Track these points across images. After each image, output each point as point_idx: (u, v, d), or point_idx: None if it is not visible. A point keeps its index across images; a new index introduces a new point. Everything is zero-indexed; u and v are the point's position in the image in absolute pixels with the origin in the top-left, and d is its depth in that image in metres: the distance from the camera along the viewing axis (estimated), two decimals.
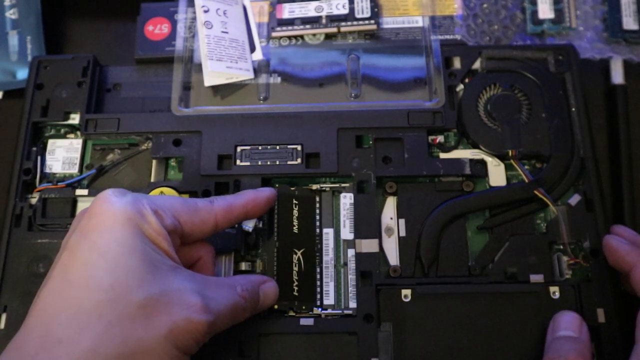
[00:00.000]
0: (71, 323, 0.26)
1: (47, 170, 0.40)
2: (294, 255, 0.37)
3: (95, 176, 0.40)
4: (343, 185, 0.39)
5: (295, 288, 0.36)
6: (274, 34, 0.44)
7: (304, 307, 0.36)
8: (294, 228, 0.37)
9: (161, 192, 0.38)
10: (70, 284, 0.27)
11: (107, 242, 0.27)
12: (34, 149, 0.40)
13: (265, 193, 0.35)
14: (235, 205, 0.33)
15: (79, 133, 0.41)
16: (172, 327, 0.27)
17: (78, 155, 0.41)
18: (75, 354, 0.25)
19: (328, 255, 0.37)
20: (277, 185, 0.38)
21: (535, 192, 0.38)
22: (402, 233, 0.38)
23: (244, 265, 0.37)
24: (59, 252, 0.29)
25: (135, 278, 0.27)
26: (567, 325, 0.33)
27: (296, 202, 0.38)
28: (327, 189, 0.39)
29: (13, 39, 0.46)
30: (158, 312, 0.27)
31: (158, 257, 0.28)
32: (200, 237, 0.33)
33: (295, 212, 0.37)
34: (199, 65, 0.42)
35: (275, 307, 0.35)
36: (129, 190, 0.30)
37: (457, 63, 0.42)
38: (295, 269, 0.36)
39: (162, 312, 0.27)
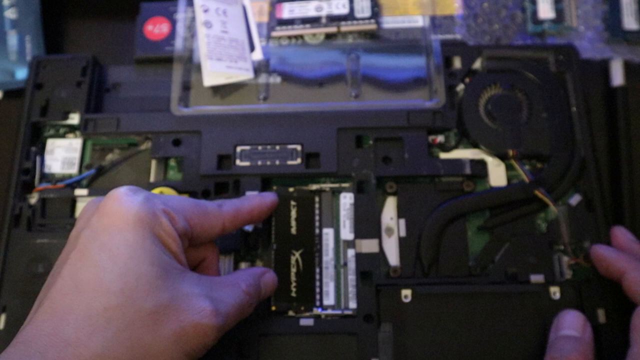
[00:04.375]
0: (80, 325, 0.25)
1: (47, 170, 0.40)
2: (292, 257, 0.37)
3: (95, 176, 0.40)
4: (343, 185, 0.39)
5: (294, 289, 0.36)
6: (273, 34, 0.44)
7: (302, 308, 0.36)
8: (292, 229, 0.37)
9: (161, 192, 0.38)
10: (79, 286, 0.26)
11: (118, 245, 0.27)
12: (33, 148, 0.40)
13: (269, 199, 0.35)
14: (242, 210, 0.34)
15: (78, 133, 0.41)
16: (181, 333, 0.27)
17: (77, 155, 0.41)
18: (84, 356, 0.25)
19: (328, 256, 0.37)
20: (274, 188, 0.38)
21: (536, 192, 0.38)
22: (402, 233, 0.38)
23: (243, 266, 0.37)
24: (67, 247, 0.29)
25: (145, 283, 0.27)
26: (571, 324, 0.33)
27: (294, 203, 0.38)
28: (327, 189, 0.39)
29: (12, 39, 0.46)
30: (167, 319, 0.27)
31: (168, 260, 0.28)
32: (207, 240, 0.33)
33: (293, 214, 0.37)
34: (199, 65, 0.42)
35: (273, 308, 0.35)
36: (141, 189, 0.30)
37: (457, 63, 0.42)
38: (294, 270, 0.36)
39: (171, 319, 0.27)
